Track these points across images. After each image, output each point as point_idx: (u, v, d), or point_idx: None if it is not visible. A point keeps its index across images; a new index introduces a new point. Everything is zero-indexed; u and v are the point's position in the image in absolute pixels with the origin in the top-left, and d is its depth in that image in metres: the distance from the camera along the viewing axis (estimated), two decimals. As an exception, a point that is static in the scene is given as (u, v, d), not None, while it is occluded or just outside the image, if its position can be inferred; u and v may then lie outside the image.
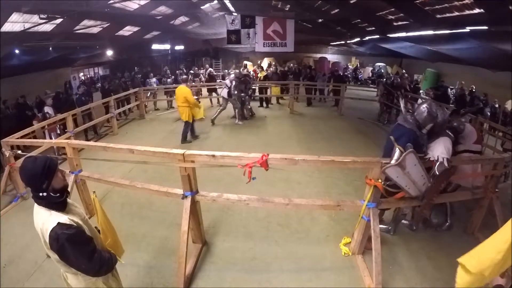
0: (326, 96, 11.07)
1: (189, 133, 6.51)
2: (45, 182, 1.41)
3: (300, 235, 3.25)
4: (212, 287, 2.57)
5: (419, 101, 8.78)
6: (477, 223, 3.18)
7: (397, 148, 2.35)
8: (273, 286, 2.57)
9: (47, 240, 1.40)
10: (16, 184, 4.08)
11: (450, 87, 11.42)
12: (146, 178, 4.35)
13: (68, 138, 5.46)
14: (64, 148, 3.47)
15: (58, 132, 6.12)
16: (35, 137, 5.54)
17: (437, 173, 2.38)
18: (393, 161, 2.28)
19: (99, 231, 1.76)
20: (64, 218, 1.42)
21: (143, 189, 2.91)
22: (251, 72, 12.67)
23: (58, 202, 1.47)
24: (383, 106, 8.51)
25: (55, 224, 1.39)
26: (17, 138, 4.25)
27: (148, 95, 10.15)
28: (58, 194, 1.46)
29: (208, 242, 3.11)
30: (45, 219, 1.42)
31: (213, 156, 2.47)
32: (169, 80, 10.91)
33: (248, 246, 3.05)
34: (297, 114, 9.15)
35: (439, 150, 2.46)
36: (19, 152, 4.27)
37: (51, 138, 5.76)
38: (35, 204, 1.49)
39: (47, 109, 6.04)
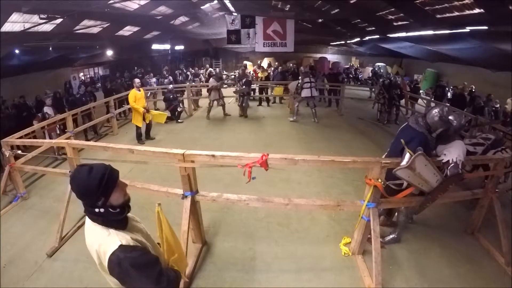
0: (325, 96, 11.09)
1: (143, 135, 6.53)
2: (100, 199, 1.16)
3: (300, 235, 3.24)
4: (212, 287, 2.57)
5: (430, 104, 8.78)
6: (477, 223, 3.18)
7: (407, 151, 2.36)
8: (273, 286, 2.57)
9: (106, 264, 1.17)
10: (16, 184, 4.08)
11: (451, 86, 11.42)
12: (146, 178, 4.35)
13: (68, 138, 5.46)
14: (64, 148, 3.47)
15: (58, 132, 6.12)
16: (35, 137, 5.55)
17: (449, 174, 2.38)
18: (403, 163, 2.31)
19: (158, 244, 1.55)
20: (126, 239, 1.19)
21: (143, 189, 2.91)
22: (251, 72, 12.68)
23: (118, 220, 1.23)
24: (380, 106, 8.51)
25: (117, 247, 1.15)
26: (17, 138, 4.25)
27: (148, 95, 10.11)
28: (118, 210, 1.22)
29: (208, 242, 3.11)
30: (103, 240, 1.19)
31: (213, 156, 2.47)
32: (166, 80, 10.57)
33: (248, 246, 3.05)
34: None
35: (456, 153, 2.45)
36: (19, 152, 4.27)
37: (51, 138, 5.75)
38: (87, 220, 1.25)
39: (47, 109, 6.03)
